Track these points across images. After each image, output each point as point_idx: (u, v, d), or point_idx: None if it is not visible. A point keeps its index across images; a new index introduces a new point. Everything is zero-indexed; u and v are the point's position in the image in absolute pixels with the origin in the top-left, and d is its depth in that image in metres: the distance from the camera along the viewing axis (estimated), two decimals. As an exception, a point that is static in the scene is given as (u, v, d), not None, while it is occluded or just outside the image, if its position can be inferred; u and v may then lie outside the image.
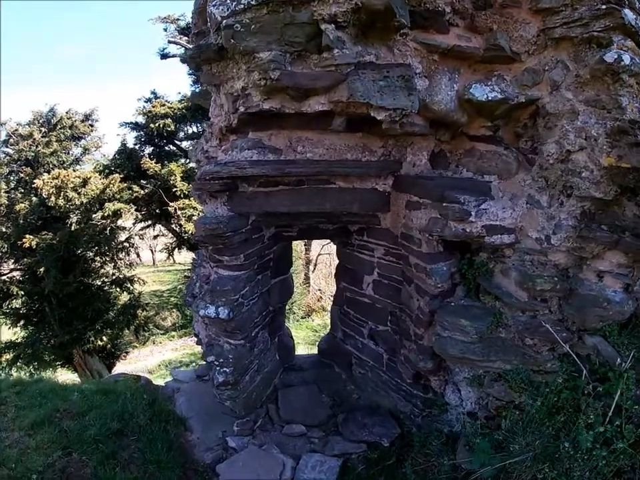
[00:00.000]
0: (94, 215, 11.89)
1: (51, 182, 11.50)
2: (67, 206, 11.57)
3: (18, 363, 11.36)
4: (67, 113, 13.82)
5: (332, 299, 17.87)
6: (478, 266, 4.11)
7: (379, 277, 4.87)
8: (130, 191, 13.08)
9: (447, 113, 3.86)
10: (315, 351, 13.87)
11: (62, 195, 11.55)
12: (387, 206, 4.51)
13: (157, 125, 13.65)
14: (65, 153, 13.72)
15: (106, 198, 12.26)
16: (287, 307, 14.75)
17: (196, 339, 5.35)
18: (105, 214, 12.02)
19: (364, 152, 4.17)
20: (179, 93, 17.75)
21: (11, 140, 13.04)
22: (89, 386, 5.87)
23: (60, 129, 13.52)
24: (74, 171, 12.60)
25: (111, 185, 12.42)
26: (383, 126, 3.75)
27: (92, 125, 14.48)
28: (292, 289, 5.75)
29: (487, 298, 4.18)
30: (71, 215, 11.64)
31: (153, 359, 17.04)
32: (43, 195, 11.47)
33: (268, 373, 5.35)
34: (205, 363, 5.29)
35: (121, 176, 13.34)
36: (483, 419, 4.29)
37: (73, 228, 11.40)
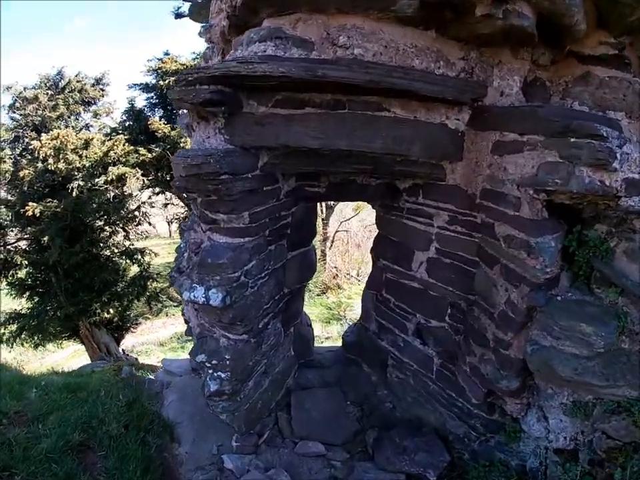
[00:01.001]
0: (97, 180, 10.77)
1: (50, 143, 10.30)
2: (68, 169, 10.46)
3: (22, 335, 10.77)
4: (76, 76, 12.63)
5: (347, 277, 16.76)
6: (594, 243, 2.71)
7: (438, 254, 3.44)
8: (137, 155, 11.75)
9: (567, 7, 2.43)
10: (329, 329, 13.19)
11: (61, 157, 10.37)
12: (460, 152, 3.06)
13: (167, 82, 12.10)
14: (74, 117, 12.65)
15: (110, 161, 11.08)
16: (303, 284, 13.73)
17: (186, 327, 4.04)
18: (109, 178, 10.83)
19: (438, 61, 2.69)
20: (193, 53, 16.10)
21: (17, 104, 11.95)
22: (56, 379, 4.65)
23: (69, 92, 12.35)
24: (77, 133, 11.47)
25: (115, 147, 11.09)
26: (477, 12, 2.31)
27: (103, 90, 13.22)
28: (314, 266, 4.32)
29: (606, 290, 2.77)
30: (73, 180, 10.55)
31: (166, 331, 16.22)
32: (41, 157, 10.35)
33: (279, 374, 4.01)
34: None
35: (127, 137, 12.03)
36: (585, 464, 2.95)
37: (74, 194, 10.36)
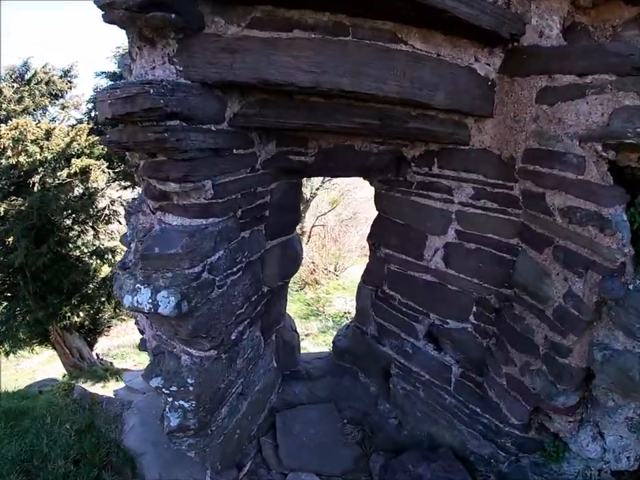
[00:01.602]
0: (59, 174, 9.71)
1: (8, 133, 9.15)
2: (30, 163, 9.41)
3: None
4: (43, 67, 11.47)
5: (325, 272, 16.01)
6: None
7: (460, 238, 2.72)
8: (102, 146, 10.53)
9: None
10: (308, 325, 12.36)
11: (21, 148, 9.25)
12: (489, 106, 2.36)
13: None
14: (40, 111, 11.52)
15: (73, 153, 10.01)
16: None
17: (140, 344, 3.17)
18: (72, 171, 9.71)
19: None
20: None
21: None
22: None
23: (35, 84, 11.17)
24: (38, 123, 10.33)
25: (78, 138, 9.97)
26: None
27: (71, 82, 11.99)
28: (299, 258, 3.49)
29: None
30: (34, 175, 9.54)
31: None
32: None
33: (260, 393, 3.20)
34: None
35: (92, 127, 10.85)
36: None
37: (36, 189, 9.35)
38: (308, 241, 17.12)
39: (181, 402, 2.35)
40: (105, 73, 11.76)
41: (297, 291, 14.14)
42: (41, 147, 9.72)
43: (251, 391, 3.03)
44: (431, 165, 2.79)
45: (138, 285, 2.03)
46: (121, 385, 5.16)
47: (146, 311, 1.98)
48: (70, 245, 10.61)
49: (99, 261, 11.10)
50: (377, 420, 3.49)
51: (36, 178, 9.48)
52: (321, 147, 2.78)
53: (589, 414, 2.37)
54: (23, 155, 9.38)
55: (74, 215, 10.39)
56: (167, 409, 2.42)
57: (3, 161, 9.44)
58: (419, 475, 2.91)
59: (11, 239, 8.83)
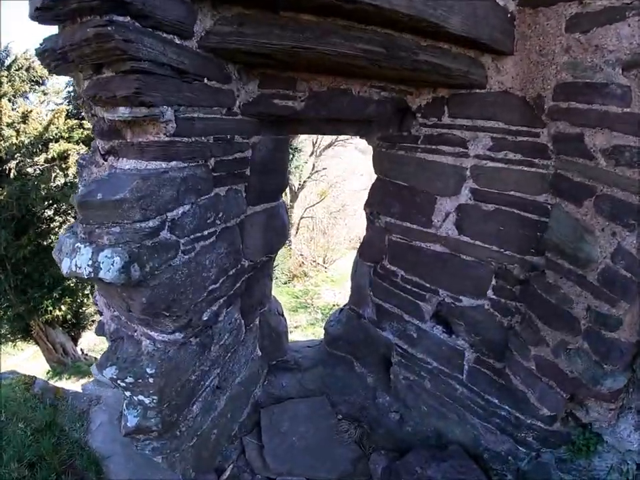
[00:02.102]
0: (36, 159, 9.28)
1: None
2: (5, 148, 8.98)
3: None
4: (24, 53, 10.94)
5: (314, 264, 15.63)
6: None
7: (476, 198, 2.31)
8: (81, 130, 10.09)
9: None
10: (297, 318, 11.89)
11: None
12: (510, 42, 2.00)
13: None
14: (20, 98, 10.94)
15: (51, 137, 9.52)
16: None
17: (98, 328, 2.66)
18: (49, 156, 9.29)
19: None
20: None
21: None
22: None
23: (15, 70, 10.62)
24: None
25: (56, 121, 9.47)
26: None
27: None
28: (286, 230, 3.05)
29: None
30: (11, 161, 9.09)
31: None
32: None
33: (242, 385, 2.76)
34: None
35: (71, 110, 10.49)
36: None
37: (12, 175, 8.99)
38: (296, 233, 16.77)
39: (140, 397, 1.90)
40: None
41: (285, 283, 13.74)
42: (17, 131, 9.31)
43: (230, 383, 2.59)
44: (440, 115, 2.38)
45: (78, 244, 1.56)
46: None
47: (85, 276, 1.51)
48: (51, 236, 10.16)
49: (81, 253, 10.66)
50: (376, 415, 3.08)
51: (12, 164, 9.06)
52: (312, 89, 2.33)
53: (630, 399, 1.99)
54: None
55: (55, 205, 10.00)
56: (124, 406, 1.97)
57: None
58: (428, 478, 2.52)
59: None
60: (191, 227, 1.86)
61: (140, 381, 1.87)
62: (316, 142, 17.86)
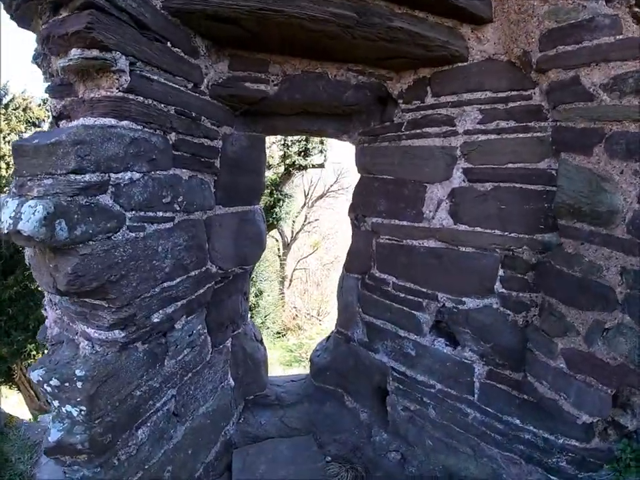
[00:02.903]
0: None
1: None
2: None
3: None
4: (22, 93, 11.17)
5: (308, 317, 15.07)
6: None
7: (470, 178, 2.02)
8: None
9: None
10: (291, 372, 11.14)
11: None
12: (488, 8, 1.89)
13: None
14: (16, 137, 11.03)
15: None
16: (260, 321, 11.68)
17: (40, 332, 2.24)
18: None
19: None
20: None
21: None
22: None
23: (12, 109, 10.81)
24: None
25: None
26: None
27: (49, 111, 11.73)
28: (262, 239, 2.71)
29: None
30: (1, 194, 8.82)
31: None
32: None
33: (208, 417, 2.29)
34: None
35: None
36: None
37: None
38: (289, 285, 16.28)
39: (68, 407, 1.50)
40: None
41: (278, 337, 13.05)
42: (8, 164, 9.34)
43: (191, 411, 2.13)
44: (423, 97, 2.20)
45: (7, 199, 1.30)
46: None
47: (5, 230, 1.24)
48: None
49: (67, 298, 10.35)
50: (372, 455, 2.57)
51: (1, 196, 9.01)
52: (286, 73, 2.18)
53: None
54: None
55: None
56: (50, 419, 1.57)
57: None
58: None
59: None
60: (141, 200, 1.59)
61: (66, 384, 1.48)
62: (308, 193, 18.00)
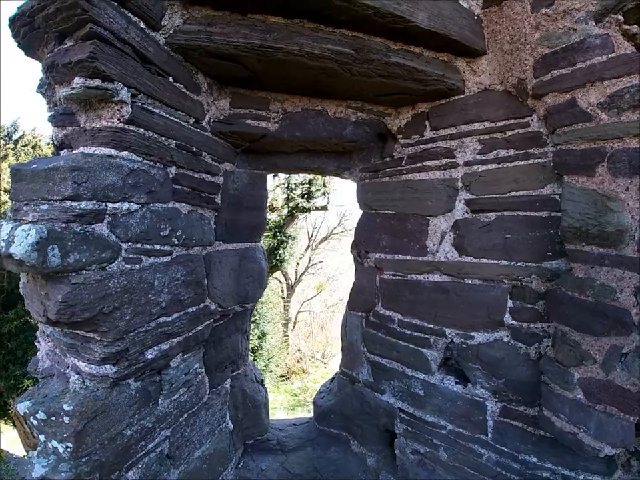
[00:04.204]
0: None
1: None
2: (3, 213, 8.84)
3: None
4: (32, 130, 11.62)
5: (312, 360, 14.64)
6: None
7: (473, 209, 1.97)
8: None
9: None
10: (295, 416, 10.58)
11: None
12: (481, 40, 1.93)
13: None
14: None
15: None
16: (263, 364, 11.27)
17: (30, 364, 2.10)
18: None
19: None
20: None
21: None
22: None
23: (22, 146, 11.21)
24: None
25: None
26: None
27: (51, 140, 12.15)
28: (263, 277, 2.63)
29: None
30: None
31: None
32: None
33: (205, 462, 2.10)
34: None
35: None
36: None
37: None
38: (294, 327, 15.98)
39: (54, 442, 1.39)
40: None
41: (282, 380, 12.58)
42: None
43: (186, 454, 1.97)
44: (422, 131, 2.21)
45: (1, 223, 1.28)
46: None
47: None
48: None
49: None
50: (381, 507, 2.35)
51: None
52: (286, 110, 2.21)
53: None
54: None
55: None
56: (35, 454, 1.45)
57: None
58: None
59: None
60: (138, 231, 1.54)
61: (53, 418, 1.39)
62: (311, 235, 18.08)
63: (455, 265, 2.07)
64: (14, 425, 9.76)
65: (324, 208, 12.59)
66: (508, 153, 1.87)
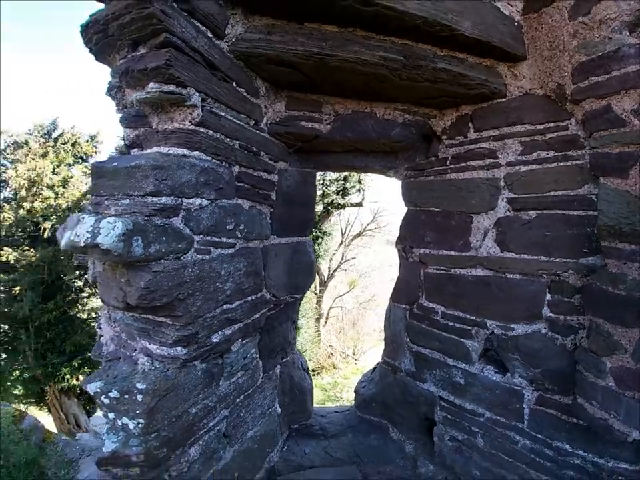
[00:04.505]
0: None
1: (25, 173, 9.67)
2: (43, 209, 9.79)
3: None
4: (71, 128, 12.45)
5: (343, 356, 15.00)
6: None
7: (514, 207, 2.23)
8: None
9: None
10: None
11: (36, 191, 9.72)
12: (521, 46, 2.17)
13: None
14: (64, 168, 12.17)
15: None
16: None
17: (94, 348, 2.46)
18: None
19: None
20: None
21: (7, 150, 11.53)
22: None
23: (62, 144, 12.02)
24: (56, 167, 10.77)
25: None
26: None
27: (96, 147, 12.95)
28: (312, 269, 3.00)
29: None
30: (47, 221, 9.84)
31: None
32: (13, 187, 9.85)
33: (255, 442, 2.49)
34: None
35: None
36: None
37: (45, 235, 9.67)
38: (325, 323, 16.51)
39: (125, 419, 1.69)
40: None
41: (313, 375, 13.12)
42: (56, 194, 10.23)
43: (240, 434, 2.34)
44: (466, 132, 2.47)
45: (83, 216, 1.55)
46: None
47: (82, 244, 1.45)
48: (79, 306, 10.67)
49: (106, 326, 11.10)
50: (419, 489, 2.66)
51: (48, 224, 9.75)
52: (338, 112, 2.52)
53: None
54: (38, 199, 9.85)
55: (86, 276, 10.51)
56: (104, 431, 1.74)
57: (21, 211, 9.92)
58: None
59: (17, 289, 8.93)
60: (208, 225, 1.86)
61: (126, 396, 1.68)
62: (345, 232, 18.44)
63: (497, 260, 2.34)
64: (49, 410, 10.61)
65: (359, 204, 12.90)
66: (548, 154, 2.11)
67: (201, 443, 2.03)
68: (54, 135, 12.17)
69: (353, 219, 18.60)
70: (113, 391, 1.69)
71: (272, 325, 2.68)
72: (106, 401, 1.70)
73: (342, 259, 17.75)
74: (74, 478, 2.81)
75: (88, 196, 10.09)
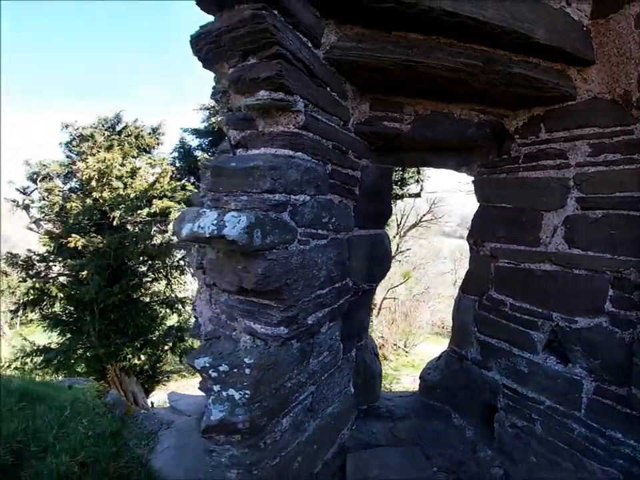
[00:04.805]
0: (140, 212, 11.37)
1: (95, 165, 10.84)
2: (112, 199, 10.98)
3: (46, 369, 10.96)
4: (134, 121, 13.52)
5: (394, 347, 15.43)
6: None
7: (582, 207, 2.60)
8: (183, 191, 12.14)
9: None
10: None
11: (105, 181, 10.95)
12: (590, 50, 2.53)
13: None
14: (130, 160, 13.23)
15: (155, 194, 11.63)
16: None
17: (192, 328, 2.83)
18: (152, 211, 11.34)
19: None
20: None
21: (74, 142, 12.73)
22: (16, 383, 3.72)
23: (125, 136, 13.12)
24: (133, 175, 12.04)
25: (161, 179, 11.68)
26: None
27: (158, 139, 13.92)
28: (389, 260, 3.55)
29: None
30: (115, 210, 11.04)
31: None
32: (83, 179, 11.04)
33: (332, 418, 3.01)
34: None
35: (174, 169, 12.60)
36: None
37: (115, 223, 10.90)
38: (378, 313, 17.09)
39: (231, 391, 2.07)
40: (188, 129, 13.53)
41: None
42: (125, 184, 11.36)
43: (322, 409, 2.85)
44: (537, 132, 2.84)
45: (203, 210, 1.96)
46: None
47: (207, 234, 1.84)
48: (142, 290, 11.78)
49: (168, 310, 12.40)
50: (476, 470, 3.12)
51: (117, 213, 10.89)
52: (417, 112, 2.92)
53: None
54: (107, 189, 11.00)
55: (150, 262, 11.73)
56: (210, 402, 2.13)
57: (88, 200, 11.12)
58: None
59: (85, 273, 10.07)
60: (309, 218, 2.29)
61: (235, 370, 2.08)
62: (400, 222, 18.80)
63: (564, 256, 2.72)
64: (109, 387, 11.91)
65: (417, 195, 13.19)
66: (615, 157, 2.46)
67: (291, 414, 2.48)
68: (118, 128, 13.18)
69: (409, 209, 18.98)
70: (223, 365, 2.09)
71: (351, 311, 3.14)
72: (214, 374, 2.10)
73: (397, 249, 18.18)
74: (154, 449, 3.28)
75: (156, 186, 11.31)
